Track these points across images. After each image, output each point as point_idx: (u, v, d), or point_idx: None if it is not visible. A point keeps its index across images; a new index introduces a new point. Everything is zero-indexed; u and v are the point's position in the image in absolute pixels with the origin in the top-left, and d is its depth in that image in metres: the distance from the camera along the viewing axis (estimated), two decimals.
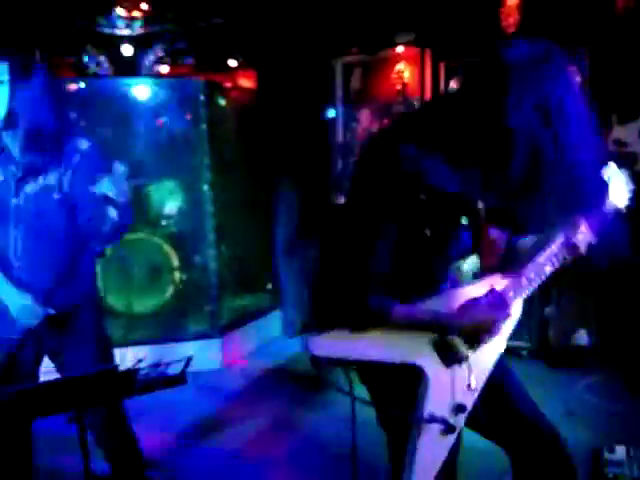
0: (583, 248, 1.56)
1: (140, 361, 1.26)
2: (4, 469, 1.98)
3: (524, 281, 1.49)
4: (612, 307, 3.63)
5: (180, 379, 1.29)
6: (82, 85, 4.08)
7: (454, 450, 1.47)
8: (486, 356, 1.47)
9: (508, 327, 1.51)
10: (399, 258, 1.35)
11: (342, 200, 4.40)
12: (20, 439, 1.94)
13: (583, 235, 1.55)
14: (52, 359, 2.02)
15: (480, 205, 1.47)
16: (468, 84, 1.36)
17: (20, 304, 1.84)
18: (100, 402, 1.26)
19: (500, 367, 1.56)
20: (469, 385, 1.42)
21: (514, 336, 3.49)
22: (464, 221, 1.44)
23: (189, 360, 1.31)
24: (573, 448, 1.57)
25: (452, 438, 1.41)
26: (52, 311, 1.87)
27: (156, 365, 1.30)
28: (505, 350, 1.57)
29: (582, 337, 3.67)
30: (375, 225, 1.32)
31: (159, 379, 1.27)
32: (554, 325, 3.74)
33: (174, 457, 2.81)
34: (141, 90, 4.05)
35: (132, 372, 1.24)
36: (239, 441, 2.95)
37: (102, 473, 2.03)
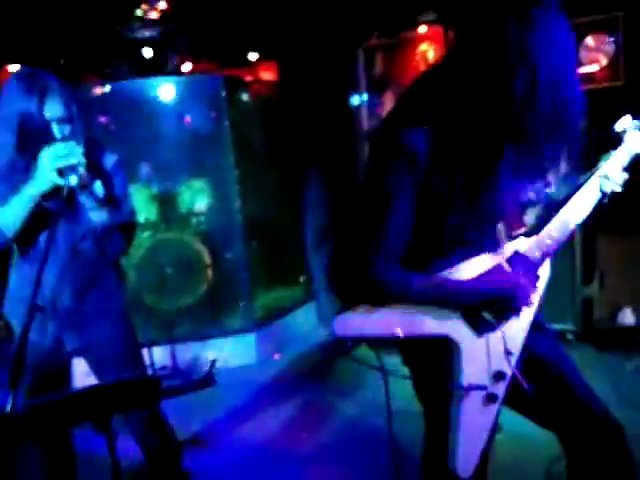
0: (617, 187, 1.50)
1: (164, 368, 1.23)
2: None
3: (548, 240, 1.43)
4: None
5: (208, 381, 1.27)
6: (107, 88, 4.11)
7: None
8: (519, 319, 1.41)
9: (539, 289, 1.44)
10: (421, 229, 1.31)
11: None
12: (56, 447, 1.97)
13: (612, 179, 1.49)
14: (84, 357, 2.04)
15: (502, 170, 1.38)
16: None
17: None
18: (126, 410, 1.25)
19: (554, 350, 1.52)
20: (506, 350, 1.37)
21: (559, 319, 3.35)
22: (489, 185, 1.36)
23: (214, 363, 1.28)
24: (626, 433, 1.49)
25: (495, 408, 1.37)
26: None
27: (182, 369, 1.27)
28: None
29: (628, 316, 3.52)
30: (388, 198, 1.28)
31: (186, 383, 1.25)
32: (598, 305, 3.60)
33: (208, 451, 2.82)
34: (162, 90, 4.06)
35: (156, 379, 1.22)
36: (274, 435, 2.96)
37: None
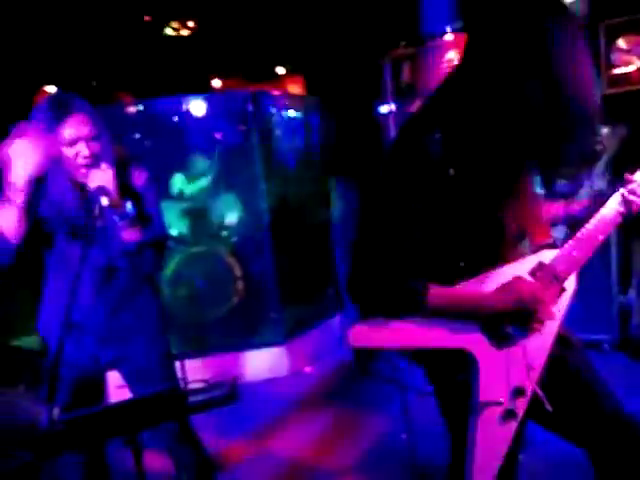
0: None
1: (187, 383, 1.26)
2: None
3: (576, 252, 1.39)
4: None
5: (231, 398, 1.29)
6: (139, 107, 4.22)
7: (515, 445, 1.37)
8: (542, 332, 1.36)
9: (564, 303, 1.40)
10: (442, 239, 1.30)
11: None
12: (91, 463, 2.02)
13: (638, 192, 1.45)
14: (118, 370, 2.09)
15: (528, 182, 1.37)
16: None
17: None
18: (150, 426, 1.29)
19: (580, 360, 1.48)
20: (527, 365, 1.33)
21: (594, 328, 3.28)
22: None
23: (235, 380, 1.30)
24: None
25: (514, 425, 1.33)
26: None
27: (206, 385, 1.30)
28: (585, 344, 1.47)
29: None
30: (405, 208, 1.26)
31: (209, 399, 1.27)
32: (636, 314, 3.49)
33: (239, 464, 2.84)
34: (192, 107, 4.14)
35: (182, 395, 1.24)
36: (303, 449, 2.95)
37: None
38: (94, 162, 1.86)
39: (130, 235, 1.90)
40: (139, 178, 2.03)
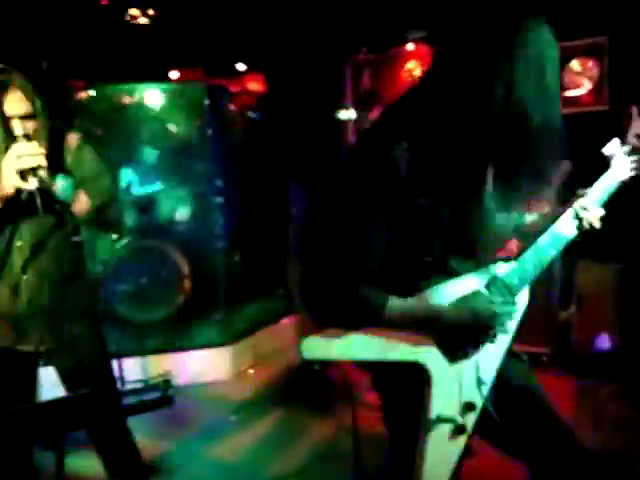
0: (595, 222, 1.49)
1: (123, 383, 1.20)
2: None
3: (529, 266, 1.41)
4: (636, 309, 3.48)
5: (165, 401, 1.22)
6: (91, 93, 4.08)
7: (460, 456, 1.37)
8: (494, 347, 1.38)
9: (516, 316, 1.41)
10: (400, 250, 1.28)
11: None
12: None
13: (590, 208, 1.49)
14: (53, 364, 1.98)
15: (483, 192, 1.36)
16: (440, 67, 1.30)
17: None
18: (80, 427, 1.21)
19: (524, 372, 1.49)
20: (478, 380, 1.34)
21: (535, 342, 3.34)
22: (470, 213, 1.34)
23: (168, 383, 1.24)
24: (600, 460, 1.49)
25: (463, 440, 1.33)
26: None
27: (141, 387, 1.23)
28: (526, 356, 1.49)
29: (604, 341, 3.52)
30: (366, 213, 1.24)
31: (143, 402, 1.21)
32: (575, 330, 3.60)
33: (176, 469, 2.75)
34: (145, 96, 4.03)
35: (115, 396, 1.17)
36: (245, 453, 2.89)
37: None
38: (27, 142, 1.75)
39: (78, 207, 1.84)
40: (71, 143, 1.93)
